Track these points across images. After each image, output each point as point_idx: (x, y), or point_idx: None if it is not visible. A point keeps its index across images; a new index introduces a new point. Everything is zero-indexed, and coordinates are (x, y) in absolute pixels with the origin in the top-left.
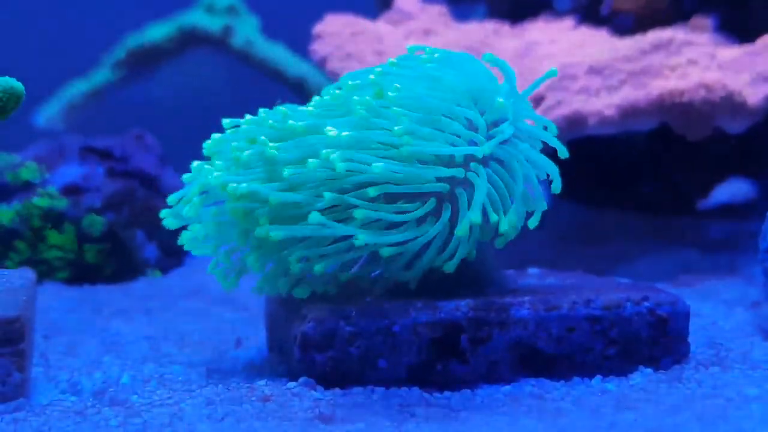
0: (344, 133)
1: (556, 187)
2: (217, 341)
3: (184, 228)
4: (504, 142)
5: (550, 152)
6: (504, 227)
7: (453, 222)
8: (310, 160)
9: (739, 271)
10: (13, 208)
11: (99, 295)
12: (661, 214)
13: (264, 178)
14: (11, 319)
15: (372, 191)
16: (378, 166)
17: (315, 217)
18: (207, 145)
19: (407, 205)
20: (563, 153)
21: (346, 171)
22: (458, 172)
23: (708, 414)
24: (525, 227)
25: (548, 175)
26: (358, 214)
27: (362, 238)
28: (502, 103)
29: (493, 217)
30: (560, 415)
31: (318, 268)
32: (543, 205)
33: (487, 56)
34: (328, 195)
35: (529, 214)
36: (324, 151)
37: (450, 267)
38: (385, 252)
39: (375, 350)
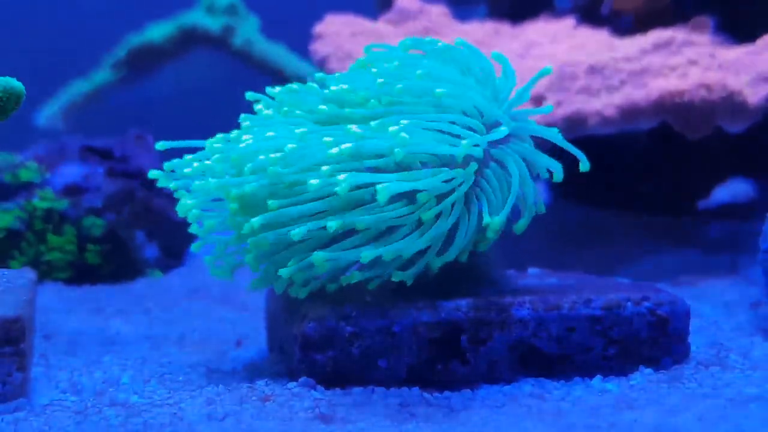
0: (344, 146)
1: (558, 176)
2: (217, 341)
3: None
4: (501, 142)
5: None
6: (493, 228)
7: (454, 223)
8: (312, 181)
9: (739, 271)
10: (14, 210)
11: (99, 295)
12: (662, 214)
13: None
14: (12, 319)
15: (381, 196)
16: (382, 188)
17: (318, 256)
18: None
19: (407, 207)
20: (559, 141)
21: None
22: (458, 174)
23: (708, 414)
24: (526, 228)
25: (549, 172)
26: (360, 225)
27: (367, 254)
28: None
29: (491, 220)
30: (560, 415)
31: (318, 269)
32: (541, 208)
33: (494, 54)
34: (332, 224)
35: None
36: (324, 169)
37: (435, 265)
38: (388, 256)
39: (375, 350)
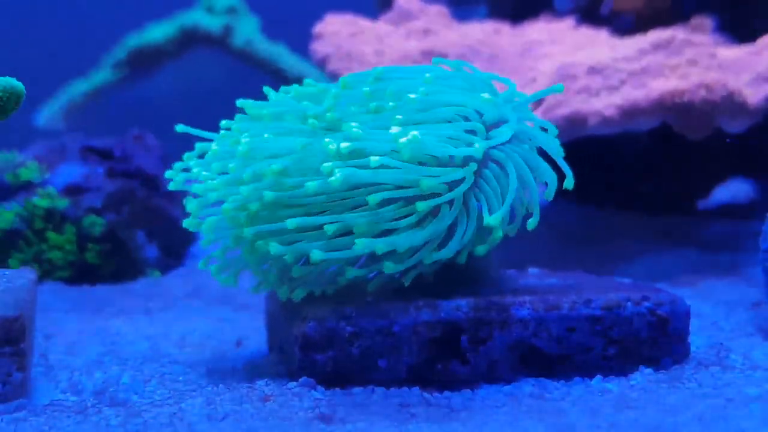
0: (343, 144)
1: (550, 194)
2: (217, 341)
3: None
4: (502, 144)
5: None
6: (495, 225)
7: (452, 223)
8: (308, 184)
9: (739, 271)
10: (14, 208)
11: (99, 295)
12: (661, 214)
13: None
14: (12, 319)
15: (372, 198)
16: (380, 175)
17: (316, 255)
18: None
19: (404, 209)
20: (560, 153)
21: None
22: (456, 173)
23: (708, 414)
24: (524, 227)
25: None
26: (358, 229)
27: (361, 243)
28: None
29: (488, 220)
30: (560, 415)
31: (315, 257)
32: (536, 209)
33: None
34: (329, 228)
35: (527, 215)
36: (325, 165)
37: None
38: (380, 249)
39: (375, 350)
